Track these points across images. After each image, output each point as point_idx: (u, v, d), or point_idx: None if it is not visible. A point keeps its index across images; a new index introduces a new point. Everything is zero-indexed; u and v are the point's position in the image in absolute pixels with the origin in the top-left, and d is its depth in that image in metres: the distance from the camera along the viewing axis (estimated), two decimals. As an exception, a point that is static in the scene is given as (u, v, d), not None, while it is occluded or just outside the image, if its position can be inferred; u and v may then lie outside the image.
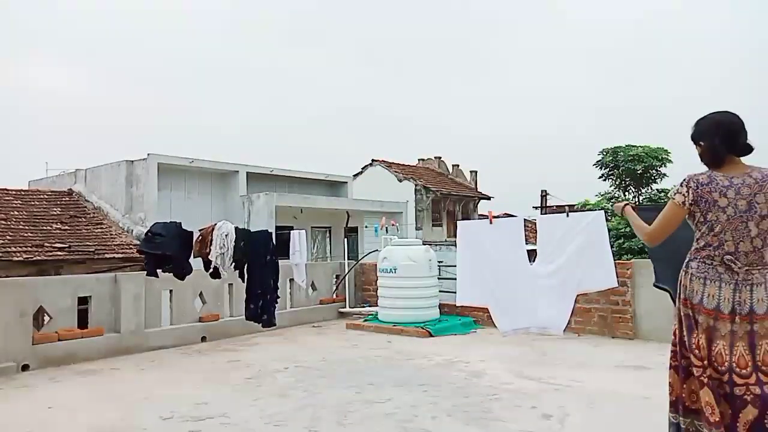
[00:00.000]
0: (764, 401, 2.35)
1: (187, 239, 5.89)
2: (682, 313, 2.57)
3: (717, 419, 2.38)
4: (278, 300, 6.49)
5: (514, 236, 3.90)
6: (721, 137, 2.51)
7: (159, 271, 5.94)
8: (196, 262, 6.00)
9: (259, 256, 6.19)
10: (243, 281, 6.16)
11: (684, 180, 2.56)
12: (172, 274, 5.93)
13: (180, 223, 5.96)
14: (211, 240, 5.85)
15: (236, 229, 6.03)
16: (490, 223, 3.92)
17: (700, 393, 2.46)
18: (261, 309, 6.18)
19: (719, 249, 2.47)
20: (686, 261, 2.60)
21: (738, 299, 2.43)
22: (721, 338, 2.44)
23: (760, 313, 2.42)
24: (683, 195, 2.54)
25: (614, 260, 4.11)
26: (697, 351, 2.48)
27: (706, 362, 2.46)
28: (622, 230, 15.82)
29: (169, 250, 5.72)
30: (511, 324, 3.87)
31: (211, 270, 5.93)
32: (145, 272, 6.02)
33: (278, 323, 6.76)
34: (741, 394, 2.39)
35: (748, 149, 2.51)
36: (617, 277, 3.96)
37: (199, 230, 6.00)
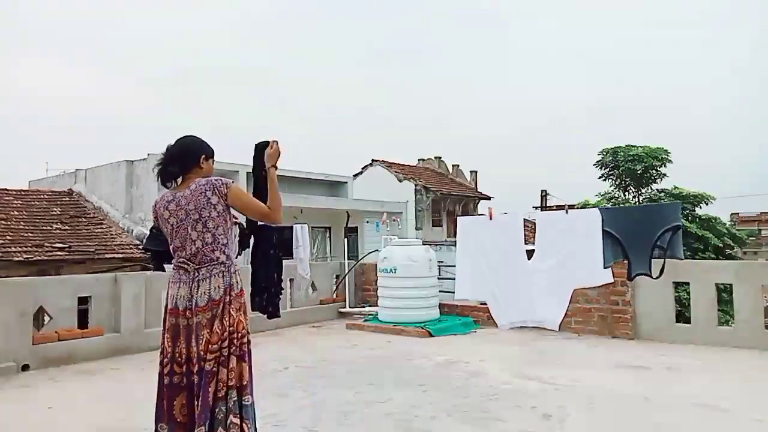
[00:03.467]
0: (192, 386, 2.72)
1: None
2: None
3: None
4: (282, 292, 6.53)
5: (513, 232, 3.91)
6: (161, 165, 2.93)
7: (165, 266, 5.94)
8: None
9: (264, 250, 6.21)
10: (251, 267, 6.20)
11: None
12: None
13: None
14: None
15: (239, 225, 6.03)
16: (490, 218, 3.93)
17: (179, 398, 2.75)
18: (266, 301, 6.22)
19: (175, 255, 2.88)
20: None
21: (189, 295, 2.77)
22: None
23: (201, 306, 2.74)
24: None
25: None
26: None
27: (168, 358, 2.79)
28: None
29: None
30: (509, 318, 3.89)
31: None
32: (152, 268, 6.02)
33: (278, 323, 6.77)
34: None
35: (172, 175, 2.91)
36: (613, 275, 3.99)
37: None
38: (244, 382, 2.74)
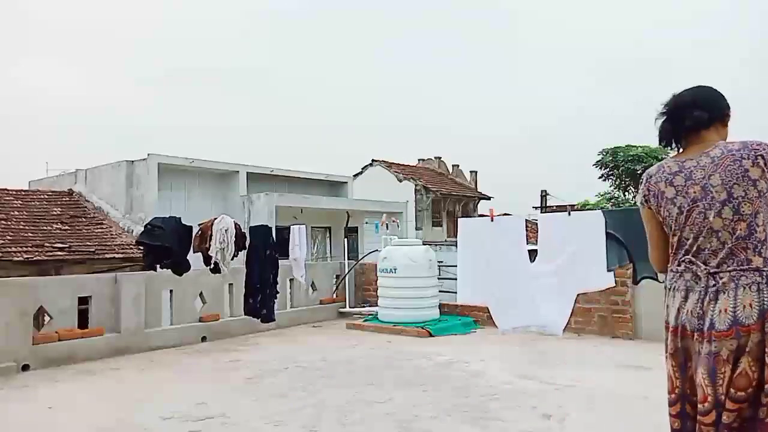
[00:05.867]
0: None
1: (186, 234, 5.89)
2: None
3: None
4: (278, 295, 6.48)
5: (514, 234, 3.91)
6: (667, 115, 2.10)
7: (157, 266, 5.93)
8: (196, 260, 5.99)
9: (258, 250, 6.19)
10: (246, 267, 6.17)
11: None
12: (170, 269, 5.92)
13: (180, 218, 5.97)
14: (211, 235, 5.85)
15: (235, 225, 6.03)
16: (491, 221, 3.93)
17: None
18: (260, 304, 6.18)
19: (680, 251, 2.01)
20: None
21: (700, 312, 1.91)
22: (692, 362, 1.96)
23: (721, 329, 1.85)
24: (639, 193, 2.18)
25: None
26: (669, 384, 2.03)
27: (676, 395, 2.00)
28: None
29: (168, 242, 5.71)
30: (511, 322, 3.88)
31: (211, 266, 5.92)
32: (144, 266, 6.01)
33: (278, 323, 6.77)
34: None
35: (697, 123, 2.03)
36: (615, 276, 3.99)
37: (199, 225, 6.00)
38: None
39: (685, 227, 1.98)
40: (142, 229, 6.17)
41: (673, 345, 2.00)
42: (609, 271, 3.72)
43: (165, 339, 7.05)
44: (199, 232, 5.91)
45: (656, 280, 3.69)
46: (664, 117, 2.10)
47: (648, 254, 2.22)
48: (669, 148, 2.13)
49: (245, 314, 6.28)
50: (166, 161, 17.81)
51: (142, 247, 6.06)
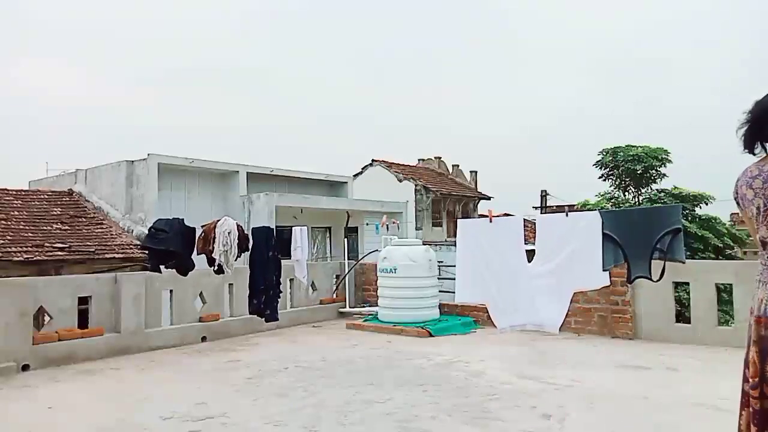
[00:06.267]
0: None
1: (189, 235, 5.92)
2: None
3: None
4: (281, 295, 6.53)
5: (513, 235, 3.92)
6: (750, 123, 2.20)
7: (162, 267, 5.95)
8: (201, 259, 6.01)
9: (261, 251, 6.22)
10: (249, 269, 6.23)
11: None
12: (175, 270, 5.95)
13: (183, 219, 5.98)
14: (214, 237, 5.87)
15: (238, 226, 6.05)
16: (490, 221, 3.95)
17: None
18: (264, 304, 6.21)
19: (765, 247, 2.13)
20: None
21: None
22: None
23: None
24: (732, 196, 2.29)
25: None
26: (747, 370, 2.15)
27: (760, 378, 2.11)
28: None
29: (172, 246, 5.73)
30: (509, 321, 3.90)
31: (215, 267, 5.95)
32: (149, 268, 6.03)
33: (278, 323, 6.79)
34: None
35: None
36: (611, 276, 4.00)
37: (202, 227, 6.02)
38: None
39: (762, 226, 2.10)
40: (146, 231, 6.21)
41: (756, 333, 2.11)
42: (604, 270, 3.74)
43: (165, 339, 7.06)
44: (202, 234, 5.93)
45: (650, 279, 3.71)
46: (747, 125, 2.19)
47: (642, 254, 2.26)
48: (752, 154, 2.21)
49: (250, 314, 6.33)
50: (166, 161, 17.81)
51: (146, 251, 6.09)
